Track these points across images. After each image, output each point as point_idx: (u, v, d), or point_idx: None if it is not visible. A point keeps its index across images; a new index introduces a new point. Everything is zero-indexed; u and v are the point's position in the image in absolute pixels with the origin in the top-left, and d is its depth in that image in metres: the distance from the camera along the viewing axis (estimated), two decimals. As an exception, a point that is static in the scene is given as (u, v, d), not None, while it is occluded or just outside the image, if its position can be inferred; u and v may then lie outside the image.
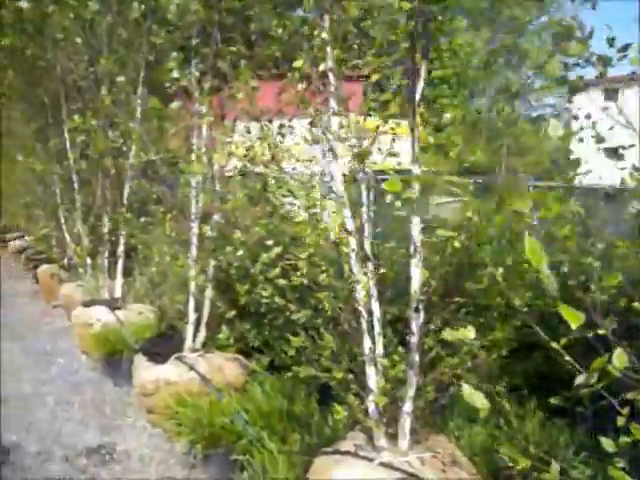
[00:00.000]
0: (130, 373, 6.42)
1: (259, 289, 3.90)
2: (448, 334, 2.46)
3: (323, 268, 3.60)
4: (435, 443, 4.07)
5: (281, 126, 5.52)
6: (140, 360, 6.04)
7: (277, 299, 3.85)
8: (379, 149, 4.25)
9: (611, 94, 25.70)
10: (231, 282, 4.96)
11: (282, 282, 3.84)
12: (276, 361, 5.69)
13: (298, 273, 3.59)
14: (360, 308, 3.76)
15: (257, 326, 5.09)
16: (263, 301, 3.93)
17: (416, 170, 3.45)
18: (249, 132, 4.96)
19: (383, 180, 5.02)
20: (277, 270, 3.80)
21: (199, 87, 5.45)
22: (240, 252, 4.05)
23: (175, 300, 6.42)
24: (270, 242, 3.84)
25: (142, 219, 6.38)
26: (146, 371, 5.83)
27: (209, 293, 6.14)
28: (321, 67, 3.41)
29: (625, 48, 3.01)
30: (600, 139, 3.42)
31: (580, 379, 2.09)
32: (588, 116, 5.67)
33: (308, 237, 3.37)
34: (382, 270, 3.78)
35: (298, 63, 3.39)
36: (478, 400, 2.33)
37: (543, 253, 1.54)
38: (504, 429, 4.22)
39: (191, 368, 5.73)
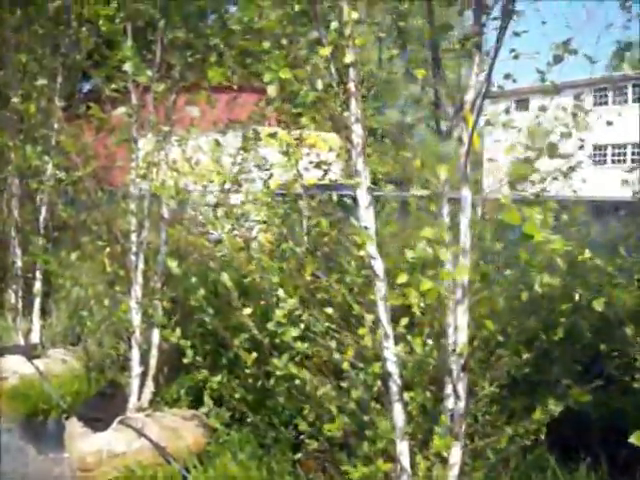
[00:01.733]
0: (58, 437, 5.31)
1: (271, 358, 2.98)
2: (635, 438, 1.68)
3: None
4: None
5: (245, 138, 4.64)
6: (74, 426, 4.93)
7: (294, 369, 2.94)
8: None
9: (521, 104, 26.19)
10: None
11: (301, 346, 2.93)
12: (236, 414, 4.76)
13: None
14: (389, 368, 2.93)
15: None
16: (277, 372, 3.01)
17: (467, 193, 2.66)
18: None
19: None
20: (295, 331, 2.90)
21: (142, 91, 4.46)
22: (247, 310, 3.12)
23: (114, 347, 5.36)
24: (281, 292, 2.93)
25: (71, 254, 5.27)
26: (84, 440, 4.75)
27: (156, 339, 5.14)
28: (347, 58, 2.56)
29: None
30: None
31: None
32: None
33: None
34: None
35: (326, 50, 2.52)
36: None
37: None
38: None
39: (140, 434, 4.70)
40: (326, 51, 2.53)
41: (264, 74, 2.54)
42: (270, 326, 2.95)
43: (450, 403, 3.04)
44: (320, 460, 3.89)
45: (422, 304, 2.66)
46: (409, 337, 2.74)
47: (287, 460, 4.25)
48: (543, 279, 2.14)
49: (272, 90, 2.45)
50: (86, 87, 8.05)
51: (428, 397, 3.28)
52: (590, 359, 3.96)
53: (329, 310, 2.90)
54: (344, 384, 2.92)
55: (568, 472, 3.80)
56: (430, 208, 2.47)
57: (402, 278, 2.15)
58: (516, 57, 3.00)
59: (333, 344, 2.87)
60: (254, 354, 3.19)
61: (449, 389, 3.05)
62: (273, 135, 4.73)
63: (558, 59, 2.70)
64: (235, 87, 5.07)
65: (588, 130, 2.74)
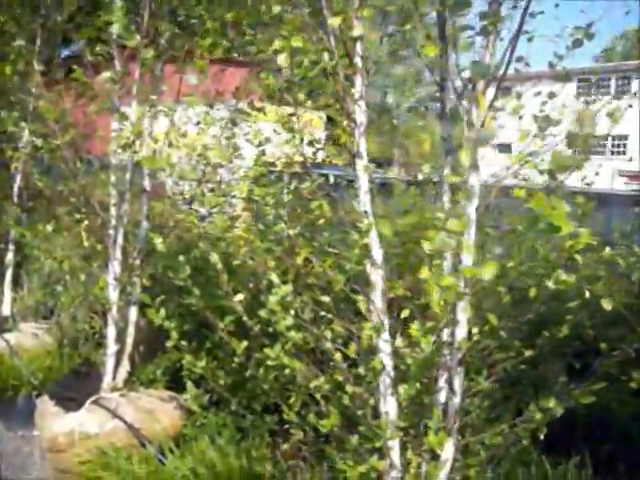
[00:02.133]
0: (28, 415, 5.12)
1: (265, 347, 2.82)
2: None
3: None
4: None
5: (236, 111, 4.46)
6: (46, 404, 4.75)
7: (286, 359, 2.79)
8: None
9: (504, 92, 26.21)
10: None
11: (295, 336, 2.77)
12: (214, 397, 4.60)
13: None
14: (384, 360, 2.79)
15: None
16: (269, 363, 2.85)
17: (475, 180, 2.52)
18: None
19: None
20: (289, 320, 2.74)
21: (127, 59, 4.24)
22: (239, 296, 2.96)
23: (88, 323, 5.18)
24: (274, 277, 2.77)
25: (46, 225, 5.04)
26: (55, 420, 4.56)
27: (133, 316, 4.96)
28: (355, 31, 2.39)
29: None
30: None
31: None
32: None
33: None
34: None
35: (335, 20, 2.34)
36: None
37: None
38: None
39: (114, 415, 4.54)
40: (336, 21, 2.35)
41: (264, 43, 2.36)
42: (263, 314, 2.79)
43: (442, 397, 2.93)
44: (301, 448, 3.77)
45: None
46: (414, 332, 2.60)
47: (267, 446, 4.13)
48: (560, 276, 2.01)
49: (283, 59, 2.27)
50: (65, 53, 7.73)
51: (419, 389, 3.16)
52: (578, 355, 3.88)
53: (325, 298, 2.75)
54: (339, 377, 2.78)
55: (552, 466, 3.74)
56: (459, 196, 2.32)
57: (424, 273, 1.99)
58: (530, 39, 2.86)
59: (328, 334, 2.74)
60: (244, 342, 3.03)
61: (442, 382, 2.94)
62: (260, 110, 4.54)
63: (578, 43, 2.56)
64: (223, 59, 4.86)
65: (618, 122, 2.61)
